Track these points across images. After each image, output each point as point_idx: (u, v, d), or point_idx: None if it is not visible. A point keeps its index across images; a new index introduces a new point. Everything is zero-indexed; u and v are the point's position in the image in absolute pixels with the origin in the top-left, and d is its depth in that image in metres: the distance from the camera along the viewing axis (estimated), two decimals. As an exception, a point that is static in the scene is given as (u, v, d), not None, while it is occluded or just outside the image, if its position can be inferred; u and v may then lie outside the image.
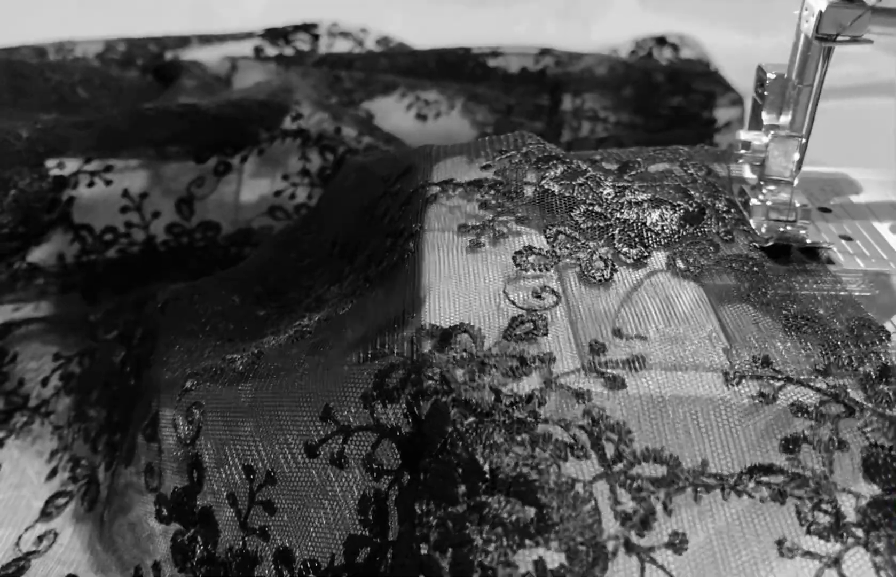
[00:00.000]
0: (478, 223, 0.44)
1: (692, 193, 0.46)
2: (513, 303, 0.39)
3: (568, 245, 0.42)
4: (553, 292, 0.40)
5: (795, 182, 0.45)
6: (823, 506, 0.32)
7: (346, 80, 0.90)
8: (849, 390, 0.35)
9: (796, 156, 0.45)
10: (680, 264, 0.42)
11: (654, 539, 0.32)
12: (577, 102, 0.89)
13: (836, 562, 0.31)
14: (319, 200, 0.69)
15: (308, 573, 0.37)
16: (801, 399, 0.35)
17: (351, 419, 0.37)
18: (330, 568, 0.37)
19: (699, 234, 0.44)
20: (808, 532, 0.32)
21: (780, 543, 0.32)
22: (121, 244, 0.70)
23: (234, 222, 0.73)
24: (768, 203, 0.45)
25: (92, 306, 0.67)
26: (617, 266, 0.41)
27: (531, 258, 0.41)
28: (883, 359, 0.36)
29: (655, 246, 0.43)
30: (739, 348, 0.37)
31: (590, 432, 0.33)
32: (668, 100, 0.88)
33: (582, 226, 0.44)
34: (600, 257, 0.42)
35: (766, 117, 0.45)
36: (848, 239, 0.46)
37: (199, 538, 0.41)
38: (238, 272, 0.60)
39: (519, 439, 0.33)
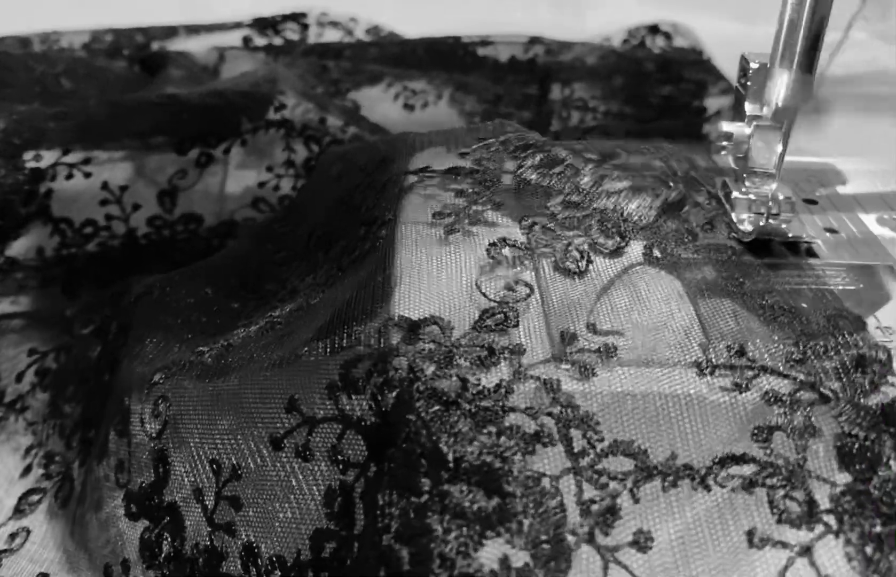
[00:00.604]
0: (452, 213, 0.43)
1: (672, 185, 0.45)
2: (484, 295, 0.38)
3: (543, 236, 0.42)
4: (526, 284, 0.39)
5: (779, 174, 0.44)
6: (796, 494, 0.31)
7: (333, 70, 0.89)
8: (824, 379, 0.34)
9: (779, 147, 0.44)
10: (657, 253, 0.41)
11: (618, 538, 0.31)
12: (567, 92, 0.88)
13: (807, 551, 0.31)
14: (299, 192, 0.68)
15: (274, 569, 0.37)
16: (775, 388, 0.34)
17: (316, 411, 0.36)
18: (296, 564, 0.36)
19: (678, 223, 0.43)
20: (780, 521, 0.31)
21: (750, 533, 0.31)
22: (101, 237, 0.69)
23: (217, 215, 0.72)
24: (751, 196, 0.44)
25: (72, 300, 0.66)
26: (593, 257, 0.41)
27: (505, 251, 0.41)
28: (859, 349, 0.35)
29: (633, 235, 0.42)
30: (716, 341, 0.36)
31: (558, 420, 0.33)
32: (658, 89, 0.87)
33: (559, 216, 0.43)
34: (576, 248, 0.41)
35: (749, 108, 0.44)
36: (833, 231, 0.45)
37: (165, 534, 0.40)
38: (213, 264, 0.59)
39: (485, 428, 0.32)
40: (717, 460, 0.32)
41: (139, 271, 0.63)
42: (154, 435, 0.41)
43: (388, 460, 0.33)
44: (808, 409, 0.33)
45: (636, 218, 0.43)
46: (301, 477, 0.37)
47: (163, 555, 0.40)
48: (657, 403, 0.34)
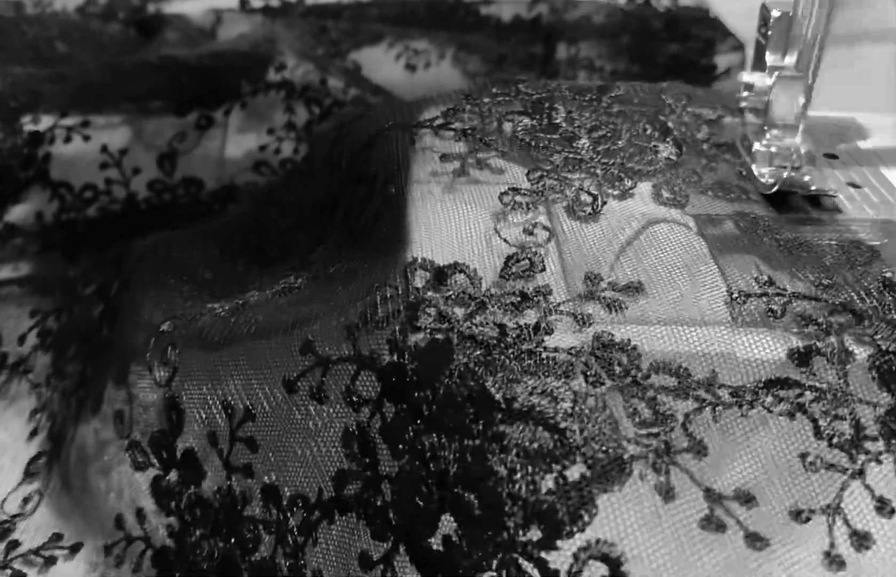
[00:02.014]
0: (456, 158, 0.44)
1: (670, 125, 0.46)
2: (505, 241, 0.38)
3: (552, 183, 0.42)
4: (545, 227, 0.39)
5: (801, 127, 0.43)
6: (842, 417, 0.32)
7: (332, 31, 0.87)
8: (856, 299, 0.35)
9: (801, 99, 0.43)
10: (666, 194, 0.42)
11: (675, 444, 0.31)
12: (573, 51, 0.87)
13: (860, 473, 0.31)
14: (301, 161, 0.67)
15: (295, 507, 0.36)
16: (808, 311, 0.34)
17: (331, 352, 0.36)
18: (318, 502, 0.36)
19: (681, 166, 0.44)
20: (830, 445, 0.31)
21: (803, 456, 0.31)
22: (101, 202, 0.68)
23: (217, 178, 0.71)
24: (772, 149, 0.43)
25: (73, 264, 0.65)
26: (605, 199, 0.41)
27: (518, 197, 0.41)
28: (884, 274, 0.36)
29: (639, 178, 0.43)
30: (743, 273, 0.37)
31: (599, 356, 0.33)
32: (665, 47, 0.85)
33: (563, 168, 0.43)
34: (587, 192, 0.42)
35: (769, 58, 0.43)
36: (856, 186, 0.44)
37: (183, 481, 0.40)
38: (217, 224, 0.59)
39: (529, 369, 0.33)
40: (761, 383, 0.32)
41: (140, 236, 0.62)
42: (163, 382, 0.41)
43: (425, 403, 0.33)
44: (843, 330, 0.33)
45: (639, 168, 0.43)
46: (318, 420, 0.36)
47: (184, 502, 0.40)
48: (692, 330, 0.34)
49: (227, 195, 0.71)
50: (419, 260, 0.37)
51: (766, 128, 0.44)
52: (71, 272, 0.61)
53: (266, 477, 0.38)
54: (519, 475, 0.31)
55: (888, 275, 0.36)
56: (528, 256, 0.38)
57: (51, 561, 0.43)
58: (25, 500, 0.47)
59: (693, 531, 0.30)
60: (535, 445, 0.31)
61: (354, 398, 0.35)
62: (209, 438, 0.39)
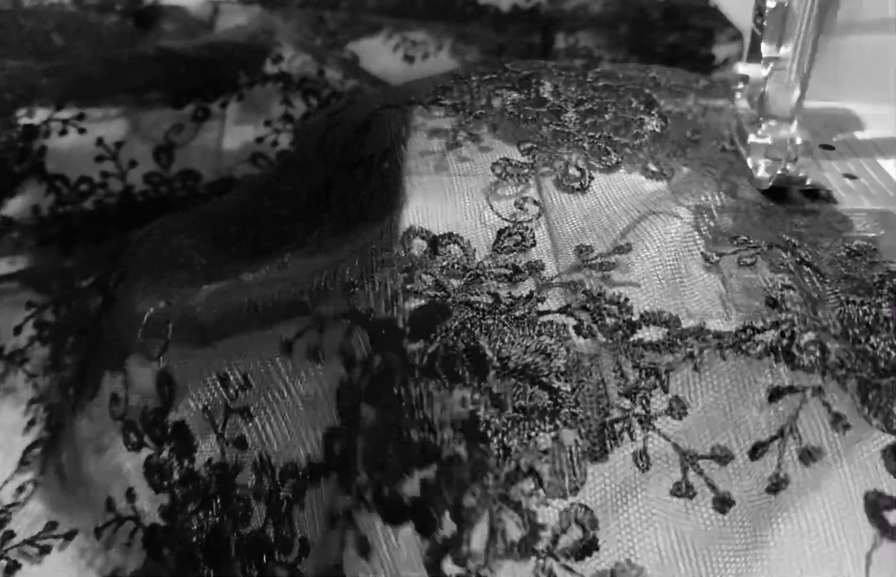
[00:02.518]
0: (448, 130, 0.44)
1: (655, 97, 0.47)
2: (498, 214, 0.39)
3: (542, 156, 0.43)
4: (535, 201, 0.40)
5: (797, 118, 0.42)
6: (809, 340, 0.33)
7: (330, 22, 0.87)
8: (823, 255, 0.37)
9: (797, 90, 0.42)
10: (652, 167, 0.43)
11: (655, 407, 0.33)
12: (571, 41, 0.86)
13: (818, 390, 0.32)
14: (294, 152, 0.67)
15: (287, 477, 0.36)
16: (781, 259, 0.36)
17: (325, 310, 0.36)
18: (308, 466, 0.36)
19: (666, 139, 0.45)
20: (794, 368, 0.33)
21: (770, 389, 0.33)
22: (97, 195, 0.68)
23: (215, 171, 0.71)
24: (767, 140, 0.43)
25: (70, 256, 0.65)
26: (593, 174, 0.42)
27: (509, 168, 0.42)
28: (853, 242, 0.38)
29: (625, 152, 0.44)
30: (719, 238, 0.38)
31: (590, 310, 0.34)
32: (664, 37, 0.85)
33: (551, 142, 0.44)
34: (575, 166, 0.42)
35: (765, 48, 0.43)
36: (852, 177, 0.43)
37: (174, 456, 0.40)
38: (214, 212, 0.58)
39: (523, 332, 0.33)
40: (740, 328, 0.34)
41: (137, 230, 0.62)
42: (156, 355, 0.41)
43: (419, 354, 0.33)
44: (812, 277, 0.35)
45: (625, 142, 0.44)
46: (314, 380, 0.36)
47: (174, 477, 0.40)
48: (678, 281, 0.36)
49: (224, 188, 0.70)
50: (416, 228, 0.38)
51: (761, 119, 0.43)
52: (68, 265, 0.61)
53: (259, 448, 0.37)
54: (514, 429, 0.31)
55: (856, 244, 0.37)
56: (520, 230, 0.38)
57: (45, 551, 0.43)
58: (20, 489, 0.47)
59: (665, 500, 0.31)
60: (530, 402, 0.32)
61: (348, 355, 0.35)
62: (203, 412, 0.39)
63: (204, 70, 0.71)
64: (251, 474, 0.38)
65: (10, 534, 0.44)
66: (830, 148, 0.46)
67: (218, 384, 0.39)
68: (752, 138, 0.43)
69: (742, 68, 0.43)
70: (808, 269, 0.36)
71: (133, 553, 0.41)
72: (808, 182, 0.41)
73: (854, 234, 0.39)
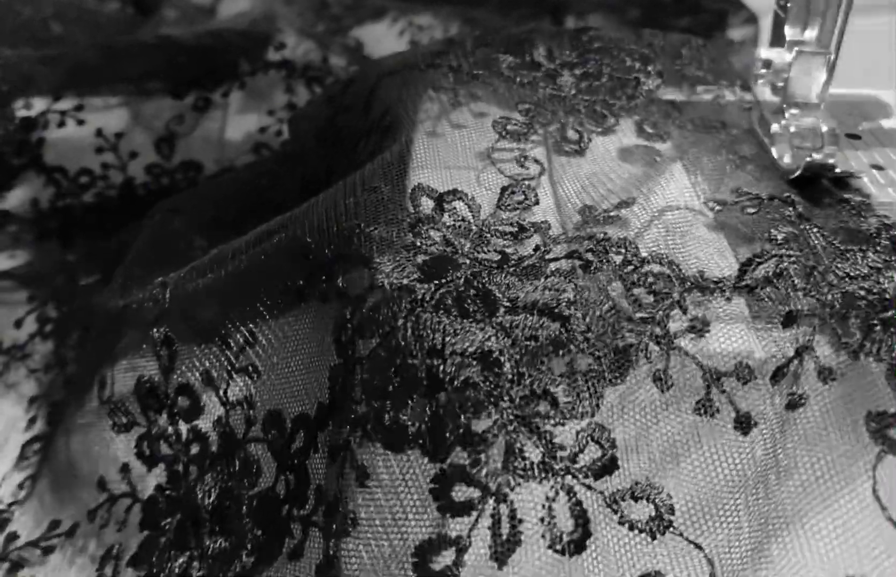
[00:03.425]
0: (448, 88, 0.45)
1: (650, 55, 0.47)
2: (500, 172, 0.39)
3: (540, 118, 0.43)
4: (536, 160, 0.41)
5: (822, 105, 0.41)
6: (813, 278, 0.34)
7: (333, 6, 0.85)
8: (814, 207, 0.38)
9: (823, 76, 0.40)
10: (648, 129, 0.43)
11: (675, 327, 0.32)
12: (580, 24, 0.84)
13: (830, 316, 0.33)
14: (288, 144, 0.66)
15: (299, 427, 0.36)
16: (781, 211, 0.37)
17: (329, 252, 0.36)
18: (318, 415, 0.35)
19: (660, 100, 0.46)
20: (806, 295, 0.33)
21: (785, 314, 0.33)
22: (98, 188, 0.67)
23: (217, 161, 0.70)
24: (791, 129, 0.41)
25: (69, 252, 0.64)
26: (591, 136, 0.42)
27: (509, 126, 0.42)
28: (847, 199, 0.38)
29: (621, 114, 0.44)
30: (720, 190, 0.39)
31: (597, 252, 0.34)
32: (675, 20, 0.83)
33: (549, 105, 0.44)
34: (573, 128, 0.43)
35: (789, 32, 0.41)
36: (880, 168, 0.42)
37: (179, 420, 0.39)
38: (213, 193, 0.59)
39: (532, 280, 0.34)
40: (745, 261, 0.34)
41: (137, 222, 0.61)
42: (153, 320, 0.40)
43: (430, 293, 0.33)
44: (810, 229, 0.36)
45: (621, 103, 0.45)
46: (319, 320, 0.36)
47: (181, 440, 0.39)
48: (678, 231, 0.36)
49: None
50: (423, 186, 0.38)
51: (784, 107, 0.41)
52: (71, 258, 0.61)
53: (269, 403, 0.37)
54: (527, 356, 0.31)
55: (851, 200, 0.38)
56: (523, 189, 0.38)
57: (49, 551, 0.43)
58: (20, 486, 0.46)
59: (686, 419, 0.31)
60: (542, 332, 0.31)
61: (350, 292, 0.34)
62: (203, 375, 0.39)
63: (204, 58, 0.70)
64: (260, 430, 0.37)
65: (14, 536, 0.44)
66: (857, 137, 0.44)
67: (220, 344, 0.38)
68: (775, 127, 0.41)
69: (765, 53, 0.41)
70: (807, 223, 0.36)
71: (128, 530, 0.40)
72: (837, 170, 0.39)
73: (850, 194, 0.39)
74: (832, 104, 0.44)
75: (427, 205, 0.37)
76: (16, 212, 0.65)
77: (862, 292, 0.33)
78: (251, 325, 0.38)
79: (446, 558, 0.30)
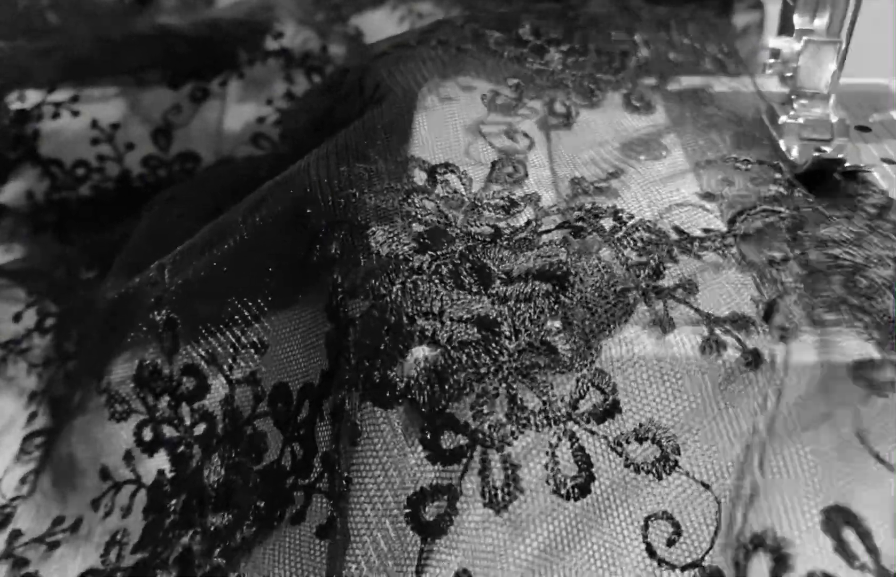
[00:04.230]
0: (437, 60, 0.46)
1: (636, 26, 0.48)
2: (491, 144, 0.40)
3: (529, 91, 0.44)
4: (525, 134, 0.41)
5: (832, 96, 0.40)
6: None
7: (332, -7, 0.84)
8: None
9: (832, 65, 0.39)
10: (635, 102, 0.44)
11: (668, 283, 0.33)
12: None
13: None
14: (281, 143, 0.66)
15: (305, 397, 0.36)
16: (770, 173, 0.38)
17: (324, 220, 0.36)
18: (322, 383, 0.35)
19: (648, 71, 0.47)
20: (791, 245, 0.34)
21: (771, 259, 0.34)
22: (94, 180, 0.66)
23: (215, 152, 0.69)
24: (800, 120, 0.40)
25: (68, 244, 0.64)
26: (578, 110, 0.43)
27: (499, 100, 0.43)
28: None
29: (608, 88, 0.45)
30: (707, 155, 0.40)
31: (588, 220, 0.35)
32: (680, 4, 0.82)
33: (537, 80, 0.45)
34: (561, 102, 0.44)
35: (798, 21, 0.40)
36: (891, 163, 0.41)
37: (183, 402, 0.39)
38: (212, 182, 0.59)
39: (525, 252, 0.34)
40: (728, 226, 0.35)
41: (134, 214, 0.60)
42: (153, 303, 0.40)
43: (427, 264, 0.33)
44: (791, 189, 0.37)
45: (607, 78, 0.45)
46: (316, 289, 0.36)
47: (187, 421, 0.39)
48: (665, 196, 0.37)
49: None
50: (415, 158, 0.39)
51: (793, 98, 0.40)
52: (70, 252, 0.60)
53: (275, 376, 0.37)
54: (523, 314, 0.31)
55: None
56: (512, 161, 0.39)
57: (54, 546, 0.42)
58: (22, 480, 0.46)
59: (691, 358, 0.31)
60: (537, 292, 0.32)
61: (344, 257, 0.34)
62: (210, 355, 0.39)
63: (202, 48, 0.69)
64: (266, 405, 0.37)
65: (17, 533, 0.43)
66: (867, 129, 0.43)
67: (226, 322, 0.38)
68: (783, 118, 0.40)
69: (773, 42, 0.40)
70: (794, 188, 0.37)
71: (133, 516, 0.40)
72: (846, 164, 0.38)
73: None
74: (842, 95, 0.43)
75: (420, 177, 0.38)
76: (11, 205, 0.64)
77: (846, 256, 0.33)
78: (255, 301, 0.38)
79: (439, 507, 0.30)
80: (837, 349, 0.31)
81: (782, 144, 0.40)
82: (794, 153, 0.39)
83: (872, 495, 0.28)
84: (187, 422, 0.39)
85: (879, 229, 0.35)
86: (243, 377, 0.38)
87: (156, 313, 0.40)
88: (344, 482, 0.31)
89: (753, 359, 0.30)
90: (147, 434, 0.40)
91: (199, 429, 0.39)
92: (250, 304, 0.38)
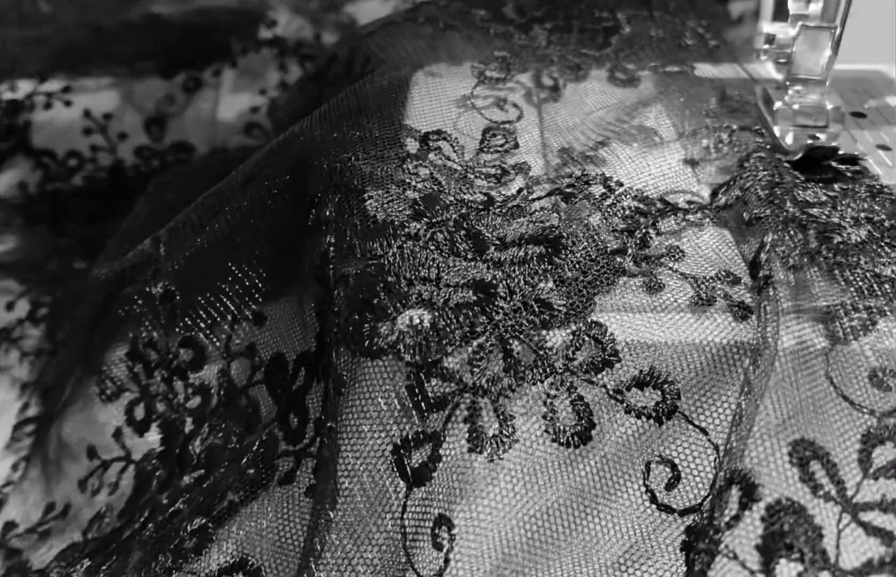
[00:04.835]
0: (427, 38, 0.47)
1: (618, 2, 0.50)
2: (481, 113, 0.41)
3: (516, 65, 0.45)
4: (515, 104, 0.42)
5: (827, 82, 0.39)
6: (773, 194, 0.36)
7: (326, -18, 0.84)
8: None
9: (827, 51, 0.39)
10: (620, 76, 0.45)
11: (654, 251, 0.34)
12: (579, -1, 0.83)
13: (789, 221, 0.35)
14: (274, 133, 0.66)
15: (300, 367, 0.36)
16: (752, 138, 0.39)
17: (321, 185, 0.36)
18: (317, 348, 0.35)
19: (632, 44, 0.48)
20: (766, 205, 0.35)
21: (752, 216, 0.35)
22: (87, 170, 0.66)
23: (209, 141, 0.69)
24: (795, 106, 0.40)
25: (61, 235, 0.63)
26: (565, 83, 0.44)
27: (488, 72, 0.44)
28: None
29: (591, 64, 0.46)
30: (688, 122, 0.41)
31: (578, 187, 0.36)
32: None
33: (523, 54, 0.46)
34: (548, 75, 0.45)
35: (792, 6, 0.40)
36: (886, 149, 0.40)
37: (177, 377, 0.40)
38: (207, 168, 0.59)
39: (518, 219, 0.35)
40: (713, 191, 0.37)
41: (128, 205, 0.60)
42: (149, 276, 0.40)
43: (424, 230, 0.34)
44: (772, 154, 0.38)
45: (591, 54, 0.47)
46: (311, 255, 0.36)
47: (181, 396, 0.39)
48: (654, 163, 0.38)
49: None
50: (406, 126, 0.39)
51: (788, 83, 0.40)
52: (63, 243, 0.60)
53: (272, 348, 0.37)
54: (517, 276, 0.32)
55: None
56: (503, 132, 0.40)
57: (45, 535, 0.42)
58: (14, 467, 0.46)
59: (681, 315, 0.32)
60: (530, 256, 0.33)
61: (340, 219, 0.35)
62: (208, 327, 0.39)
63: (194, 38, 0.69)
64: (262, 375, 0.37)
65: (12, 524, 0.43)
66: (862, 116, 0.43)
67: (226, 293, 0.39)
68: (778, 104, 0.40)
69: (767, 28, 0.40)
70: (774, 153, 0.38)
71: (119, 492, 0.40)
72: (840, 152, 0.38)
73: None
74: (837, 81, 0.43)
75: (412, 145, 0.38)
76: (4, 196, 0.64)
77: (822, 216, 0.34)
78: (257, 271, 0.38)
79: (422, 454, 0.30)
80: (809, 294, 0.31)
81: (776, 131, 0.39)
82: (789, 140, 0.39)
83: (839, 432, 0.29)
84: (181, 397, 0.39)
85: (855, 194, 0.36)
86: (241, 349, 0.38)
87: (152, 285, 0.40)
88: (333, 433, 0.31)
89: (742, 311, 0.31)
90: (139, 412, 0.40)
91: (194, 402, 0.39)
92: (251, 274, 0.38)
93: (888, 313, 0.30)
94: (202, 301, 0.39)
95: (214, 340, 0.39)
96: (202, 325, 0.39)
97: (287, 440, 0.35)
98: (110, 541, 0.38)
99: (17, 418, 0.49)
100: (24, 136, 0.64)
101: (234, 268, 0.38)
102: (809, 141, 0.38)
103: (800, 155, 0.37)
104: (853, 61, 0.45)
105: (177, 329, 0.39)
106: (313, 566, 0.30)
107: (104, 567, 0.37)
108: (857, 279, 0.32)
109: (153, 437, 0.39)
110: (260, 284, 0.38)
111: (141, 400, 0.40)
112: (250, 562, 0.34)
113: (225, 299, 0.38)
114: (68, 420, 0.42)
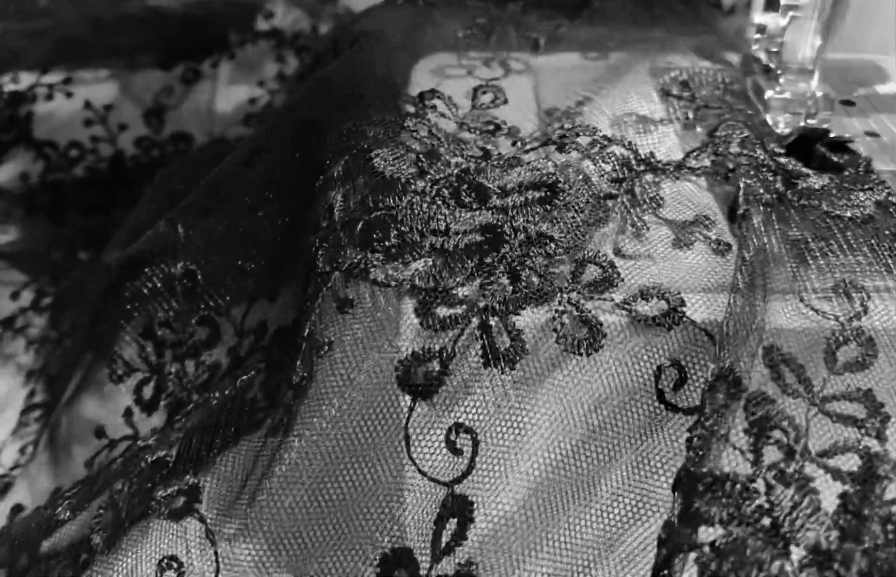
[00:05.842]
0: (409, 11, 0.50)
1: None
2: (469, 74, 0.44)
3: (497, 30, 0.48)
4: (500, 63, 0.45)
5: (817, 71, 0.40)
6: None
7: (323, -28, 0.84)
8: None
9: (817, 40, 0.40)
10: (592, 54, 0.48)
11: (644, 198, 0.37)
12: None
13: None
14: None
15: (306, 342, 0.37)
16: (732, 87, 0.43)
17: (329, 152, 0.38)
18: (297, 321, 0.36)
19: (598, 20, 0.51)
20: (740, 156, 0.38)
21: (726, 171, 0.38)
22: (88, 161, 0.66)
23: (207, 133, 0.69)
24: (786, 95, 0.40)
25: (62, 226, 0.64)
26: (543, 40, 0.48)
27: (473, 33, 0.47)
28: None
29: (566, 35, 0.49)
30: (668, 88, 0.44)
31: (567, 137, 0.39)
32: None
33: (501, 20, 0.49)
34: (527, 36, 0.48)
35: (783, -3, 0.41)
36: (874, 135, 0.41)
37: (192, 356, 0.40)
38: (207, 158, 0.57)
39: (514, 169, 0.37)
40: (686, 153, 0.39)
41: (128, 196, 0.61)
42: (168, 256, 0.41)
43: (430, 185, 0.36)
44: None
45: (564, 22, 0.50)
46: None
47: (191, 374, 0.40)
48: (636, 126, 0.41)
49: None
50: (403, 93, 0.42)
51: (779, 72, 0.41)
52: (65, 233, 0.61)
53: (279, 322, 0.38)
54: (520, 216, 0.35)
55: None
56: (492, 87, 0.43)
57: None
58: (21, 451, 0.46)
59: (667, 249, 0.35)
60: (530, 200, 0.35)
61: (347, 175, 0.36)
62: (223, 307, 0.40)
63: (192, 29, 0.69)
64: (265, 341, 0.38)
65: (19, 508, 0.43)
66: (851, 104, 0.44)
67: (243, 271, 0.40)
68: (769, 93, 0.41)
69: (759, 18, 0.41)
70: (753, 106, 0.41)
71: (125, 468, 0.39)
72: (831, 134, 0.39)
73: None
74: (827, 69, 0.44)
75: (409, 107, 0.41)
76: (5, 187, 0.64)
77: (789, 165, 0.36)
78: (271, 250, 0.39)
79: (431, 367, 0.31)
80: (783, 225, 0.34)
81: (768, 118, 0.40)
82: (780, 127, 0.40)
83: (806, 338, 0.31)
84: (191, 375, 0.40)
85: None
86: (253, 326, 0.39)
87: (171, 265, 0.40)
88: (325, 345, 0.32)
89: (722, 247, 0.34)
90: (147, 392, 0.40)
91: (202, 380, 0.40)
92: (265, 254, 0.40)
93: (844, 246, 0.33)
94: (225, 279, 0.40)
95: (233, 318, 0.40)
96: (221, 303, 0.40)
97: (268, 400, 0.36)
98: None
99: (23, 405, 0.49)
100: (25, 127, 0.64)
101: (250, 249, 0.40)
102: (801, 124, 0.39)
103: (793, 137, 0.38)
104: (843, 51, 0.46)
105: (200, 307, 0.40)
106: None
107: (69, 493, 0.38)
108: (817, 219, 0.34)
109: (161, 416, 0.40)
110: (273, 263, 0.39)
111: (151, 379, 0.40)
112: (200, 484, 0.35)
113: (243, 278, 0.40)
114: (79, 405, 0.43)
